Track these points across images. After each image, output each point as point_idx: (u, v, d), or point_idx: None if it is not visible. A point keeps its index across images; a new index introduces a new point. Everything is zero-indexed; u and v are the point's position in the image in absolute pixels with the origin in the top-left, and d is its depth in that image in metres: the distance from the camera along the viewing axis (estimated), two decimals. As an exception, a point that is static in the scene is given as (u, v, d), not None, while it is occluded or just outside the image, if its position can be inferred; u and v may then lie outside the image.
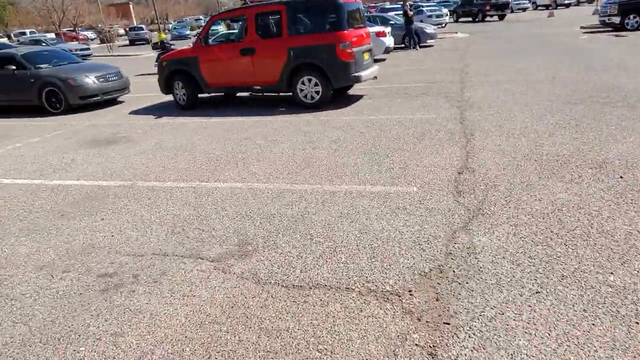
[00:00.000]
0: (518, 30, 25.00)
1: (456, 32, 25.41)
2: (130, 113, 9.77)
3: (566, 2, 45.12)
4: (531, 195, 3.90)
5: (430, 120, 6.84)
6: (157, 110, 9.71)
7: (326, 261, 3.15)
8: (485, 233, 3.33)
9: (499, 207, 3.73)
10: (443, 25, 30.28)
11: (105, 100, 10.75)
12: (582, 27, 22.61)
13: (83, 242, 3.81)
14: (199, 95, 9.54)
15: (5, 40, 47.45)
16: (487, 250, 3.10)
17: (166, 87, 9.70)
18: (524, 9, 45.12)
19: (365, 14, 25.43)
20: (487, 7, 35.15)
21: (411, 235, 3.40)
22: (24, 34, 47.24)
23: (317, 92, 8.38)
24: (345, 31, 8.04)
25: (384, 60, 15.71)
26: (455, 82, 10.07)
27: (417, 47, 18.54)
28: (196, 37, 9.65)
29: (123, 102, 11.45)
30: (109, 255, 3.54)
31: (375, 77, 9.42)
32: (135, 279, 3.15)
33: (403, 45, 19.52)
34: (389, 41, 15.47)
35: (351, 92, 9.87)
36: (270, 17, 8.66)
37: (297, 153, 5.77)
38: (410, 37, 18.70)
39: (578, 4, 46.89)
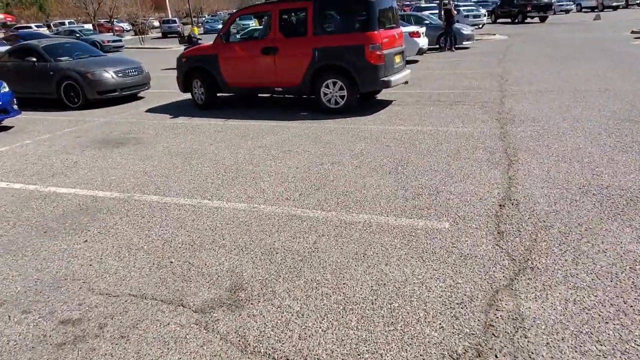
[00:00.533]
0: (561, 33, 23.60)
1: (494, 34, 24.21)
2: (147, 111, 9.36)
3: (614, 4, 42.76)
4: (593, 245, 3.16)
5: (466, 135, 6.09)
6: (174, 109, 9.26)
7: (332, 324, 2.53)
8: (537, 297, 2.63)
9: (553, 259, 3.01)
10: (480, 26, 29.02)
11: (124, 95, 10.39)
12: (633, 32, 21.09)
13: (57, 271, 3.30)
14: (219, 94, 9.04)
15: (45, 29, 48.68)
16: (539, 325, 2.41)
17: (184, 85, 9.24)
18: (567, 11, 43.05)
19: (399, 12, 24.57)
20: (528, 8, 33.55)
21: (441, 293, 2.74)
22: (63, 24, 48.27)
23: (342, 97, 7.73)
24: (376, 32, 7.35)
25: (416, 61, 14.90)
26: (493, 89, 9.23)
27: (453, 49, 17.60)
28: (217, 34, 9.14)
29: (143, 97, 11.09)
30: (80, 292, 3.01)
31: (407, 82, 8.69)
32: (100, 330, 2.60)
33: (438, 47, 18.61)
34: (423, 42, 14.64)
35: (380, 96, 9.17)
36: (295, 15, 8.05)
37: (313, 168, 5.15)
38: (448, 38, 17.79)
39: (627, 6, 44.37)
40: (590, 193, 4.00)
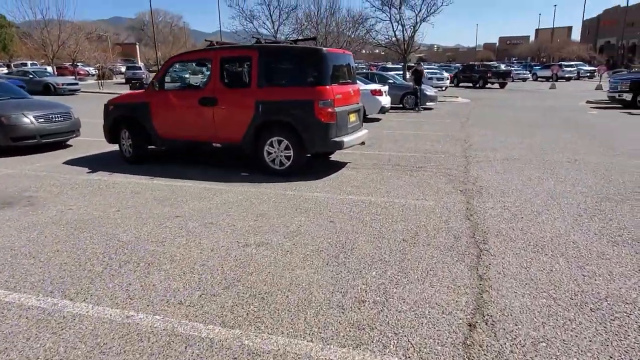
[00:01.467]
0: (521, 100, 24.08)
1: (457, 97, 24.46)
2: (64, 162, 8.05)
3: (567, 75, 45.24)
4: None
5: (426, 210, 5.12)
6: (97, 162, 7.99)
7: None
8: None
9: None
10: (444, 88, 29.54)
11: (44, 143, 9.06)
12: (588, 102, 21.65)
13: None
14: (150, 147, 7.88)
15: (4, 69, 46.86)
16: None
17: (111, 135, 8.06)
18: (525, 79, 45.14)
19: (365, 71, 24.51)
20: (489, 74, 34.77)
21: None
22: (25, 64, 46.65)
23: (288, 158, 6.72)
24: (327, 86, 6.50)
25: (379, 120, 14.33)
26: (457, 155, 8.49)
27: (419, 109, 17.22)
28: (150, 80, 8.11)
29: (71, 146, 9.77)
30: None
31: (364, 143, 7.82)
32: None
33: (401, 106, 18.31)
34: (385, 100, 14.15)
35: (334, 157, 8.24)
36: (239, 64, 7.15)
37: (233, 252, 3.98)
38: (416, 98, 17.51)
39: (578, 78, 47.07)
40: (587, 307, 3.00)
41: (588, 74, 48.07)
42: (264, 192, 5.93)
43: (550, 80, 42.10)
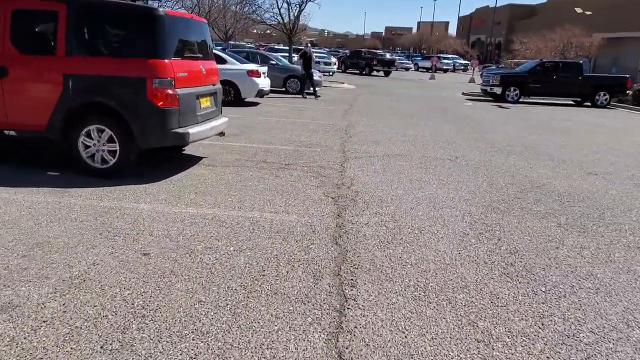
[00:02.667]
0: (405, 89, 24.42)
1: (343, 83, 23.99)
2: None
3: (444, 67, 48.10)
4: None
5: (285, 229, 3.90)
6: None
7: None
8: None
9: None
10: (331, 73, 29.01)
11: None
12: (464, 94, 22.58)
13: None
14: None
15: None
16: None
17: None
18: (407, 69, 46.98)
19: (247, 49, 22.69)
20: (375, 62, 35.20)
21: None
22: None
23: (114, 153, 5.03)
24: (166, 60, 4.91)
25: (256, 104, 12.91)
26: (335, 149, 7.46)
27: (305, 95, 15.97)
28: None
29: None
30: None
31: (223, 134, 6.37)
32: None
33: (284, 90, 17.07)
34: (264, 83, 12.75)
35: (189, 149, 6.68)
36: (40, 20, 5.17)
37: (-60, 330, 2.33)
38: (302, 83, 16.18)
39: (454, 70, 50.39)
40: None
41: (462, 67, 51.71)
42: (67, 204, 4.21)
43: (430, 71, 44.32)
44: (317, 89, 16.07)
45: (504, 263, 3.50)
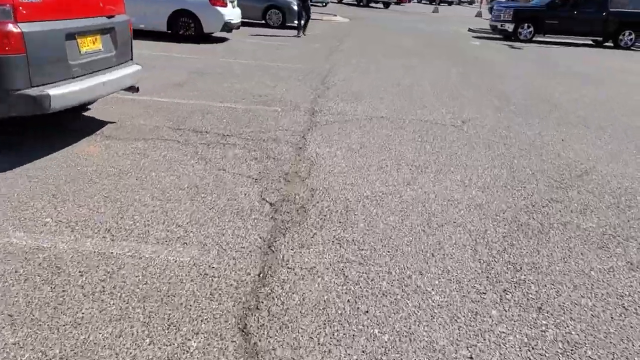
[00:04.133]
0: (405, 23, 21.81)
1: (335, 15, 21.29)
2: None
3: (449, 0, 44.39)
4: None
5: (184, 275, 2.20)
6: None
7: None
8: None
9: None
10: (324, 4, 26.06)
11: None
12: (470, 30, 20.10)
13: None
14: None
15: None
16: None
17: None
18: (410, 0, 43.21)
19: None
20: (374, -8, 31.90)
21: None
22: None
23: None
24: (-2, -26, 2.95)
25: (224, 41, 10.74)
26: (302, 107, 5.60)
27: (301, 33, 13.35)
28: None
29: None
30: None
31: (135, 89, 4.48)
32: None
33: (263, 22, 14.73)
34: (232, 14, 10.49)
35: (95, 108, 4.83)
36: None
37: None
38: (300, 17, 13.38)
39: (459, 3, 46.61)
40: None
41: (468, 0, 47.82)
42: None
43: (434, 3, 40.71)
44: (301, 24, 13.65)
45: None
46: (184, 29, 10.12)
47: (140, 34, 10.21)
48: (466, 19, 27.91)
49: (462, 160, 4.23)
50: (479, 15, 29.66)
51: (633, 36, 16.55)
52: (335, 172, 3.73)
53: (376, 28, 17.94)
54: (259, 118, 5.00)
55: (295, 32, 13.24)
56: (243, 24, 14.51)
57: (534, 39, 16.53)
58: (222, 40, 10.88)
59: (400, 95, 6.61)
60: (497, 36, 17.46)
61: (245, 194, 3.22)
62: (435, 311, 2.18)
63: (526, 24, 16.34)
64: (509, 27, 16.51)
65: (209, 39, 10.66)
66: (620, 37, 16.57)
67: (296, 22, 13.61)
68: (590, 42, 17.65)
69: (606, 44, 17.24)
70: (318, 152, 4.14)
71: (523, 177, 3.93)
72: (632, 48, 16.65)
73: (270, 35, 12.67)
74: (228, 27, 10.42)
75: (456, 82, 7.88)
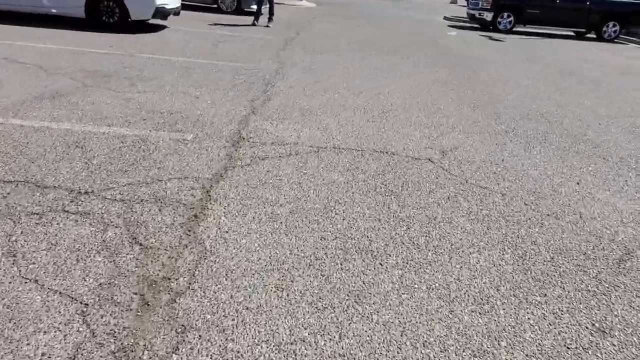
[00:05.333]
0: (373, 7, 20.24)
1: (302, 0, 19.53)
2: None
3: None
4: None
5: None
6: None
7: None
8: None
9: None
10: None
11: None
12: (446, 18, 18.70)
13: None
14: None
15: None
16: None
17: None
18: (383, -16, 41.42)
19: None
20: (344, -26, 29.99)
21: None
22: None
23: None
24: None
25: (158, 29, 8.96)
26: (224, 133, 4.02)
27: (260, 19, 11.46)
28: None
29: None
30: None
31: None
32: None
33: (215, 7, 12.95)
34: (166, -2, 8.70)
35: None
36: None
37: None
38: (259, 2, 11.45)
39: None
40: None
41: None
42: None
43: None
44: (254, 7, 11.85)
45: None
46: (106, 15, 8.30)
47: (50, 21, 8.36)
48: (441, 5, 26.54)
49: (443, 228, 2.78)
50: (453, 1, 28.35)
51: (617, 28, 15.49)
52: (236, 275, 2.22)
53: (343, 15, 16.33)
54: (153, 155, 3.42)
55: (253, 18, 11.50)
56: (190, 8, 12.74)
57: (514, 29, 15.26)
58: (158, 29, 9.11)
59: (361, 109, 5.11)
60: (475, 25, 16.13)
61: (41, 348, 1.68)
62: None
63: (506, 13, 15.03)
64: (488, 16, 15.18)
65: (143, 28, 8.87)
66: (604, 28, 15.48)
67: (254, 6, 11.89)
68: (571, 33, 16.54)
69: (589, 35, 16.17)
70: (221, 227, 2.61)
71: (537, 266, 2.52)
72: (615, 40, 15.61)
73: (219, 24, 10.92)
74: (162, 13, 8.64)
75: (432, 88, 6.43)
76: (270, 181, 3.20)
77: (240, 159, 3.51)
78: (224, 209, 2.78)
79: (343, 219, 2.81)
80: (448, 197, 3.22)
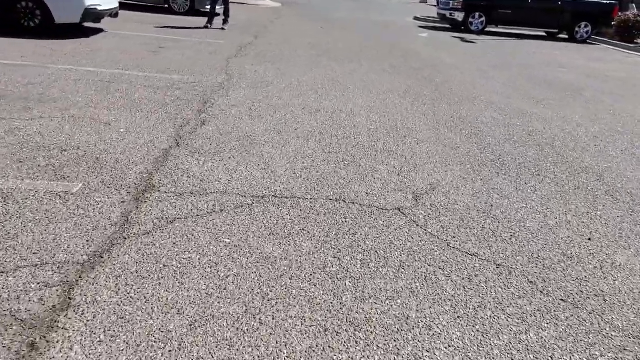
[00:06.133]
0: (341, 7, 19.40)
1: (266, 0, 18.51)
2: None
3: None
4: None
5: None
6: None
7: None
8: None
9: None
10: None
11: None
12: (416, 18, 18.02)
13: None
14: None
15: None
16: None
17: None
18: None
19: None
20: (311, -27, 29.08)
21: None
22: None
23: None
24: None
25: (91, 35, 7.79)
26: (130, 178, 3.00)
27: (211, 25, 10.34)
28: None
29: None
30: None
31: None
32: None
33: (166, 7, 11.82)
34: (98, -2, 7.55)
35: None
36: None
37: None
38: (213, 2, 10.23)
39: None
40: None
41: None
42: None
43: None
44: (215, 11, 10.71)
45: None
46: (25, 18, 7.11)
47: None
48: (411, 5, 25.94)
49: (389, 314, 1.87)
50: (423, 1, 27.83)
51: (589, 28, 15.09)
52: None
53: (308, 16, 15.40)
54: (8, 224, 2.39)
55: (206, 20, 10.39)
56: (138, 9, 11.57)
57: (486, 29, 14.67)
58: (92, 33, 7.95)
59: (316, 134, 4.18)
60: (446, 26, 15.47)
61: None
62: None
63: (477, 14, 14.42)
64: (459, 16, 14.55)
65: (74, 33, 7.69)
66: (576, 29, 15.06)
67: (208, 6, 10.82)
68: (543, 34, 16.09)
69: (561, 35, 15.75)
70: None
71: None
72: (588, 41, 15.20)
73: (167, 27, 9.81)
74: (94, 15, 7.48)
75: (402, 103, 5.56)
76: (173, 265, 2.23)
77: (140, 224, 2.52)
78: (84, 327, 1.79)
79: (270, 334, 1.86)
80: (425, 277, 2.32)
